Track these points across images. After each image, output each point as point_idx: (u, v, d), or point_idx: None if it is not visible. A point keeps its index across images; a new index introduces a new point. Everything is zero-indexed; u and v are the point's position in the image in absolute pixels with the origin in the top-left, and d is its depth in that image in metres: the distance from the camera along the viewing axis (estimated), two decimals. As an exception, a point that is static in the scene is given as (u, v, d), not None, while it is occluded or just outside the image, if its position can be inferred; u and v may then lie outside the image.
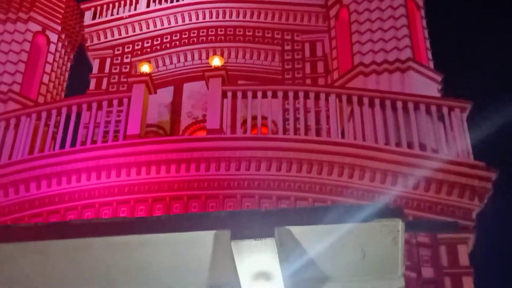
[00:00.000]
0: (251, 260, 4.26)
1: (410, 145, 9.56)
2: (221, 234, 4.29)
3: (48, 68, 12.63)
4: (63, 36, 13.20)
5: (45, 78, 12.47)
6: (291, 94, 10.22)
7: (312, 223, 4.28)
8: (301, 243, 4.36)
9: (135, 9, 13.36)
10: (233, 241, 4.20)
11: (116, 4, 13.50)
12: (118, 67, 12.92)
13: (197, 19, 13.17)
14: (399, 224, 4.15)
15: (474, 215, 9.13)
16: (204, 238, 4.37)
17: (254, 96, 10.22)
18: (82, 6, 13.58)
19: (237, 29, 13.02)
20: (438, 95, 10.81)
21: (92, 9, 13.51)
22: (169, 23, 13.21)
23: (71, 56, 13.68)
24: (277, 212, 4.53)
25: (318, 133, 10.06)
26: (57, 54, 12.97)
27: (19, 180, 9.78)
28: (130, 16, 13.31)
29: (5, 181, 9.81)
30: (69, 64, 13.57)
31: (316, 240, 4.34)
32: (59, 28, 13.09)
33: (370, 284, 4.55)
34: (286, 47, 12.75)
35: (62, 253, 4.47)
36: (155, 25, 13.24)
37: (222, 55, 12.44)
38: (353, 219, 4.22)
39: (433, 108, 9.92)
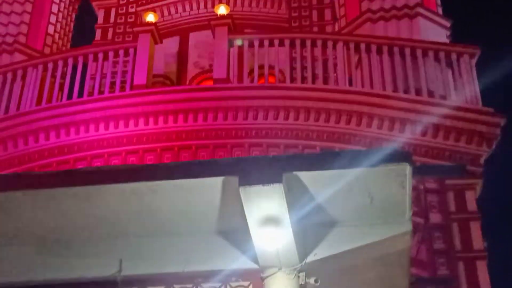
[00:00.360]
0: (260, 205, 4.30)
1: (418, 92, 9.50)
2: (230, 180, 4.32)
3: (53, 19, 12.52)
4: (67, -14, 13.05)
5: (51, 29, 12.38)
6: (298, 43, 10.12)
7: (320, 169, 4.30)
8: (309, 188, 4.38)
9: (139, -42, 13.14)
10: (241, 187, 4.23)
11: (120, -48, 13.28)
12: (123, 17, 12.80)
13: (202, -34, 12.96)
14: (407, 168, 4.16)
15: (482, 160, 9.13)
16: (213, 184, 4.40)
17: (261, 45, 10.13)
18: (86, -45, 13.38)
19: (243, -24, 12.82)
20: (447, 41, 10.68)
21: (96, -42, 13.31)
22: (174, -29, 13.01)
23: (76, 7, 13.55)
24: (285, 158, 4.55)
25: (325, 81, 10.00)
26: (62, 5, 12.84)
27: (28, 131, 9.82)
28: (134, -36, 13.11)
29: (14, 132, 9.85)
30: (74, 15, 13.45)
31: (324, 185, 4.36)
32: (63, -23, 12.94)
33: (378, 228, 4.59)
34: (293, -6, 12.57)
35: (73, 200, 4.52)
36: (159, -26, 13.05)
37: (227, 3, 12.29)
38: (361, 164, 4.23)
39: (442, 55, 9.82)
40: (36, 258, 4.82)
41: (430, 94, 9.47)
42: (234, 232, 4.69)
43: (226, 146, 9.69)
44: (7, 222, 4.68)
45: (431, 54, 9.79)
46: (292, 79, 10.00)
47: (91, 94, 10.17)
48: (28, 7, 12.05)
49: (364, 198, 4.43)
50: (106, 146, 9.76)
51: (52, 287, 4.72)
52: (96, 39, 12.47)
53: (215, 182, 4.38)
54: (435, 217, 8.67)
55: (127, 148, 9.78)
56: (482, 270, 8.26)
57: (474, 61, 9.85)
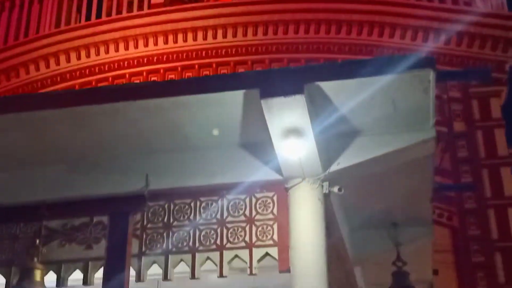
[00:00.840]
0: (282, 117, 4.28)
1: (442, -1, 9.29)
2: (251, 93, 4.29)
3: None
4: None
5: (64, -51, 12.15)
6: (317, -49, 9.85)
7: (342, 78, 4.26)
8: (331, 98, 4.35)
9: None
10: (262, 99, 4.21)
11: None
12: None
13: None
14: (430, 74, 4.09)
15: (508, 67, 9.00)
16: (234, 98, 4.39)
17: (280, -45, 9.90)
18: None
19: None
20: None
21: None
22: None
23: None
24: (306, 68, 4.50)
25: (346, -9, 9.79)
26: None
27: (49, 54, 9.86)
28: None
29: (35, 55, 9.89)
30: None
31: (346, 95, 4.33)
32: None
33: (402, 136, 4.58)
34: None
35: (98, 118, 4.56)
36: None
37: None
38: (384, 72, 4.17)
39: (466, -43, 9.52)
40: (65, 176, 4.92)
41: (454, 0, 9.25)
42: (257, 144, 4.72)
43: (246, 62, 9.65)
44: (35, 142, 4.76)
45: (455, -43, 9.50)
46: (312, -9, 9.80)
47: (109, 14, 10.11)
48: None
49: (387, 106, 4.40)
50: (127, 66, 9.79)
51: (81, 204, 4.84)
52: (110, -43, 12.24)
53: (237, 96, 4.37)
54: (459, 126, 8.65)
55: (148, 68, 9.81)
56: (507, 176, 8.30)
57: (499, -36, 9.55)
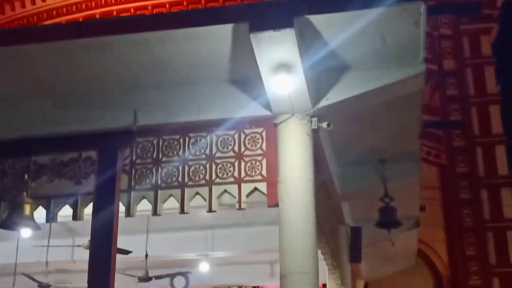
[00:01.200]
0: (271, 52, 4.24)
1: None
2: (240, 27, 4.24)
3: None
4: None
5: None
6: None
7: (332, 11, 4.20)
8: (321, 32, 4.30)
9: None
10: (251, 33, 4.15)
11: None
12: None
13: None
14: (421, 7, 4.04)
15: (499, 3, 8.89)
16: (223, 32, 4.33)
17: None
18: None
19: None
20: None
21: None
22: None
23: None
24: (296, 1, 4.41)
25: None
26: None
27: (34, -10, 9.66)
28: None
29: (20, -9, 9.70)
30: None
31: (336, 29, 4.28)
32: None
33: (391, 71, 4.56)
34: None
35: (84, 53, 4.49)
36: None
37: None
38: (374, 5, 4.12)
39: None
40: (53, 111, 4.89)
41: None
42: (246, 80, 4.68)
43: (236, -1, 9.51)
44: (21, 77, 4.71)
45: None
46: None
47: None
48: None
49: (377, 41, 4.35)
50: (114, 3, 9.62)
51: (69, 139, 4.82)
52: None
53: (225, 30, 4.30)
54: (449, 64, 8.60)
55: (135, 4, 9.65)
56: (495, 114, 8.31)
57: None
